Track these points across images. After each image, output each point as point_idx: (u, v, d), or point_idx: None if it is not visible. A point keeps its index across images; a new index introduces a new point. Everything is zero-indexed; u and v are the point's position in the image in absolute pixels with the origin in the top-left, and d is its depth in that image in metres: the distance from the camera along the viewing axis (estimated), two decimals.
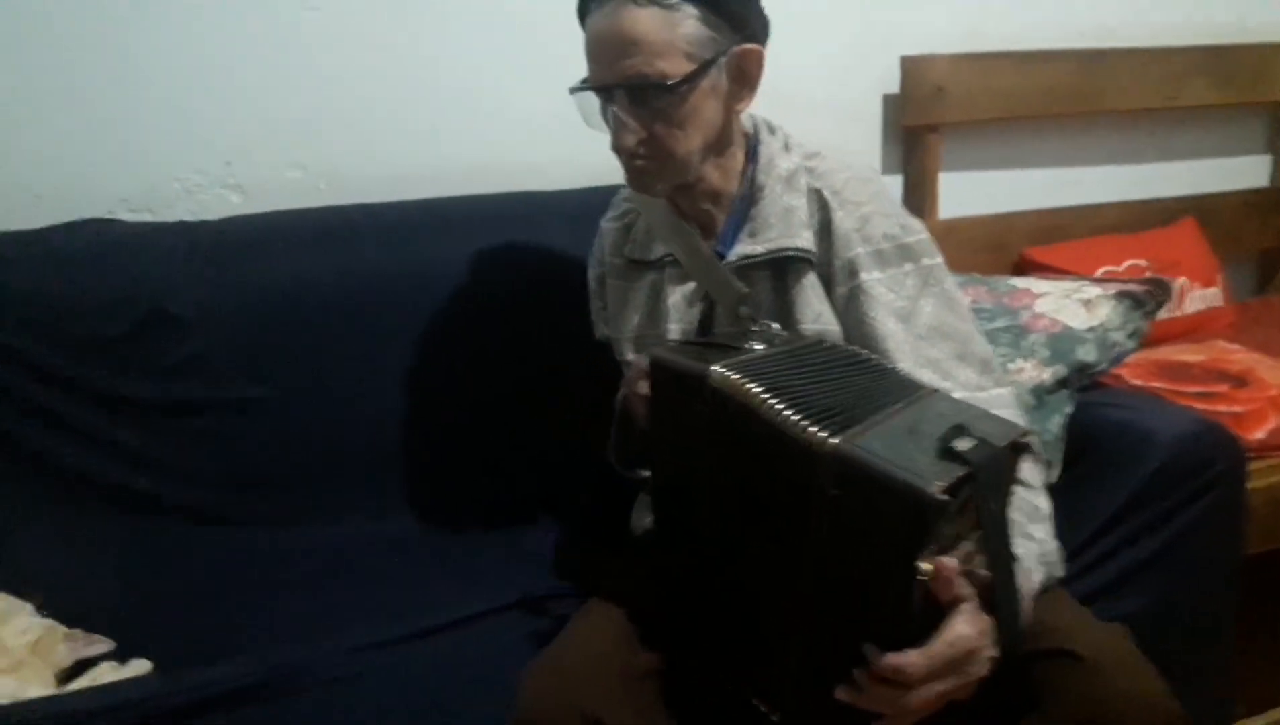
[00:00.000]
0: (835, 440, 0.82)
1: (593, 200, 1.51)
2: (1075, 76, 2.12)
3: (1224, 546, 1.39)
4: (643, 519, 1.34)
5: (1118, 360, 1.54)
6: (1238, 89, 2.28)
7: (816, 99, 1.95)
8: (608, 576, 1.23)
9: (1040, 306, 1.58)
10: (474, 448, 1.59)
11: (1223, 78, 2.25)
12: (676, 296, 1.25)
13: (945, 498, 0.76)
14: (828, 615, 0.88)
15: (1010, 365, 1.49)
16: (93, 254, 1.48)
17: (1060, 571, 1.05)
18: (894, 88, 2.02)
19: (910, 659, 0.81)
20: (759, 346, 1.00)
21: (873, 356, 1.02)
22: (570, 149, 1.75)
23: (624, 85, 1.11)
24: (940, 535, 0.79)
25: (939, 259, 1.19)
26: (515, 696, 1.00)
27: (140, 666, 1.21)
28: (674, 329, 1.24)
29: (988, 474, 0.80)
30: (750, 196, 1.22)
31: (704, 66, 1.11)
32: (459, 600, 1.32)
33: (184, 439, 1.48)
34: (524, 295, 1.61)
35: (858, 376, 0.96)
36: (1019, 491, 1.05)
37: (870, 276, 1.15)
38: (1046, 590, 1.02)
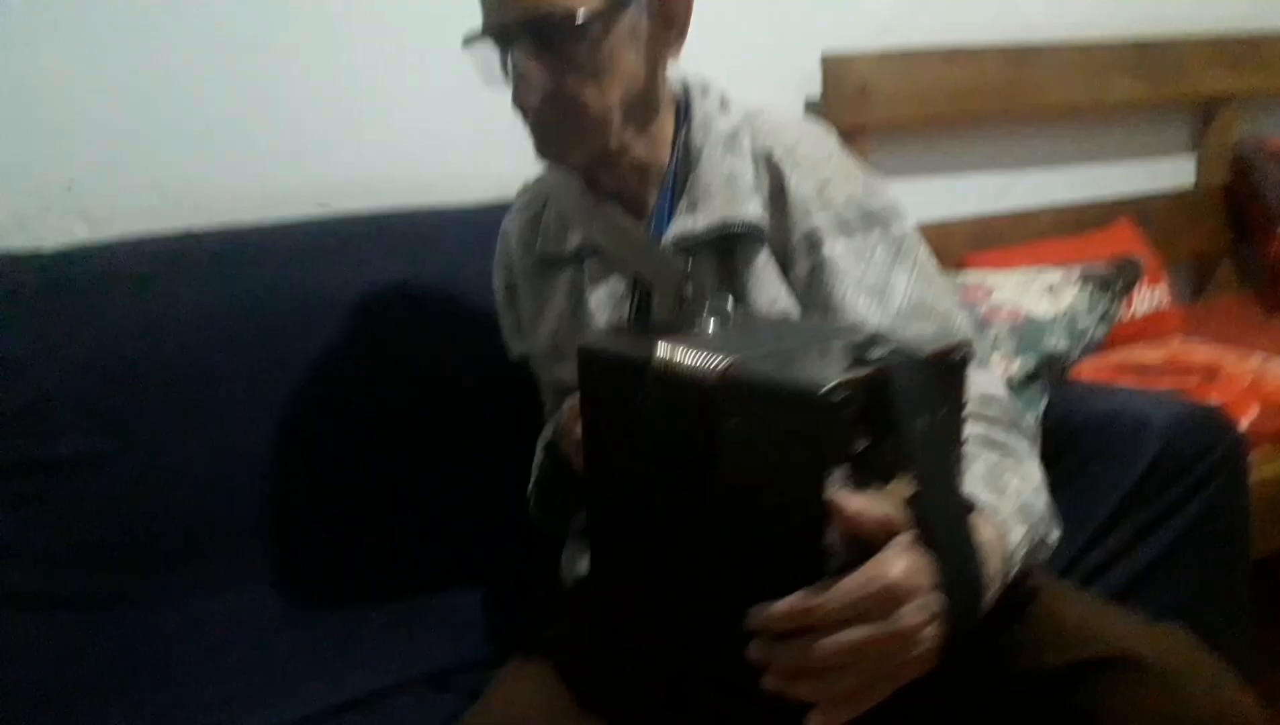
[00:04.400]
0: (722, 365, 0.70)
1: (496, 216, 1.29)
2: (1001, 73, 2.01)
3: (1232, 542, 1.23)
4: (574, 565, 1.14)
5: (1090, 348, 1.40)
6: (1160, 86, 2.22)
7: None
8: (532, 631, 1.01)
9: (998, 298, 1.43)
10: (370, 504, 1.34)
11: (1145, 74, 2.18)
12: (600, 293, 1.07)
13: (836, 397, 0.64)
14: (751, 589, 0.70)
15: None
16: None
17: (1054, 531, 0.86)
18: (816, 91, 1.89)
19: (805, 594, 0.65)
20: (712, 324, 0.82)
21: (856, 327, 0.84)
22: (464, 164, 1.60)
23: (524, 24, 0.92)
24: (844, 452, 0.66)
25: (910, 225, 1.03)
26: None
27: None
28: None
29: (904, 381, 0.67)
30: (685, 163, 1.04)
31: (620, 2, 0.93)
32: (356, 676, 1.10)
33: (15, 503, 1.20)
34: (424, 324, 1.39)
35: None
36: (979, 429, 0.88)
37: (834, 248, 0.99)
38: (1037, 553, 0.82)
